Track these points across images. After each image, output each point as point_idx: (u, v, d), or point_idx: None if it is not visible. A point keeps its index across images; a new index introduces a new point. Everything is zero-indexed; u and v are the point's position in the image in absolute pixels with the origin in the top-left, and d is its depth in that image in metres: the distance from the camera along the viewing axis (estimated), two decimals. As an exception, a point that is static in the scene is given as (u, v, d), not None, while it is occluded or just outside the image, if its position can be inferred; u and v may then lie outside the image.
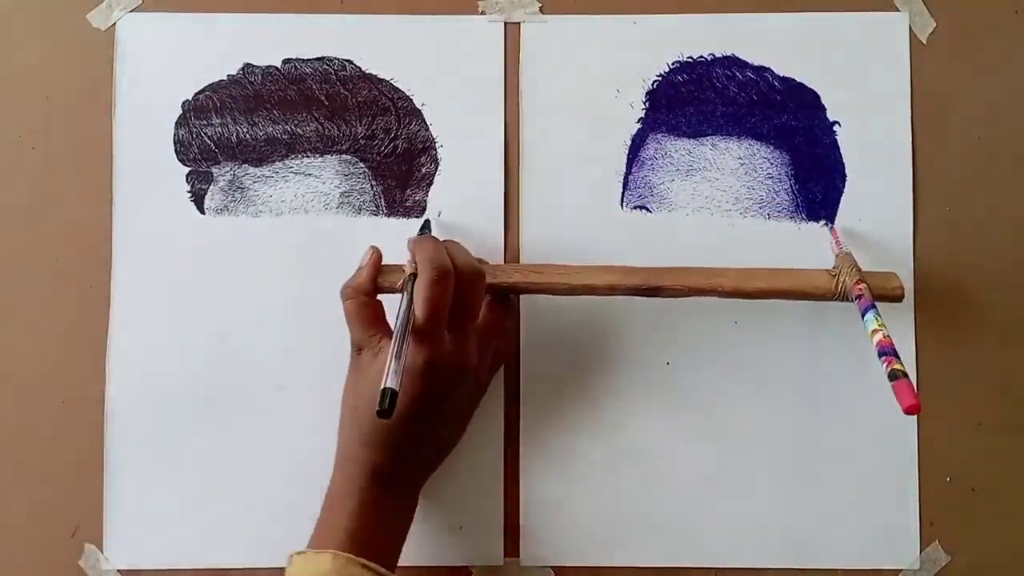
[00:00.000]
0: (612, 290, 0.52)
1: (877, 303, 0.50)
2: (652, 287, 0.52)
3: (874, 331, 0.47)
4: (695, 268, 0.53)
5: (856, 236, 0.56)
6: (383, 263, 0.52)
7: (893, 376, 0.44)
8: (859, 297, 0.50)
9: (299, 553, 0.47)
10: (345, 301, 0.51)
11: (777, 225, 0.56)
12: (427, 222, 0.56)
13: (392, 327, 0.48)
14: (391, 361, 0.44)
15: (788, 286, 0.52)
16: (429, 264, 0.47)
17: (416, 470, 0.51)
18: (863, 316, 0.49)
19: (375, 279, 0.51)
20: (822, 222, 0.56)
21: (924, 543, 0.55)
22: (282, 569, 0.55)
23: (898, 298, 0.52)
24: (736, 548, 0.55)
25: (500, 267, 0.54)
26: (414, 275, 0.48)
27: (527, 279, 0.53)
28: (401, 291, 0.49)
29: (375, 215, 0.56)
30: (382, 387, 0.43)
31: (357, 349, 0.51)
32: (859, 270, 0.52)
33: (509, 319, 0.55)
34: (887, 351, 0.46)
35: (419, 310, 0.47)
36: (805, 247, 0.56)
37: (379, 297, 0.51)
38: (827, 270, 0.52)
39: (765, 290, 0.52)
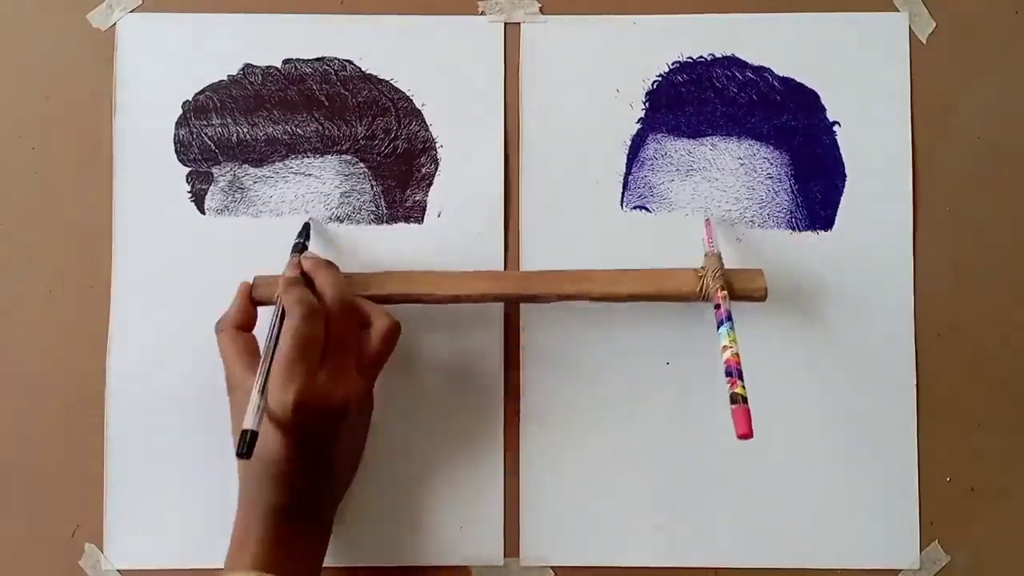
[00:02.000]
0: (482, 298, 0.52)
1: (743, 301, 0.50)
2: (522, 295, 0.52)
3: (724, 347, 0.47)
4: (565, 272, 0.53)
5: (856, 236, 0.56)
6: (258, 275, 0.52)
7: (733, 400, 0.44)
8: (717, 307, 0.49)
9: None
10: (217, 335, 0.51)
11: (778, 232, 0.56)
12: (306, 225, 0.55)
13: None
14: (253, 398, 0.44)
15: (654, 289, 0.52)
16: (296, 307, 0.47)
17: (316, 503, 0.50)
18: (718, 328, 0.48)
19: (246, 312, 0.51)
20: (823, 232, 0.56)
21: (924, 543, 0.55)
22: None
23: (761, 299, 0.52)
24: (736, 548, 0.55)
25: (373, 276, 0.53)
26: (282, 314, 0.48)
27: (399, 289, 0.52)
28: (271, 323, 0.49)
29: (374, 217, 0.56)
30: (242, 427, 0.43)
31: (232, 389, 0.50)
32: (723, 273, 0.51)
33: (387, 339, 0.51)
34: (733, 372, 0.46)
35: (286, 349, 0.46)
36: (805, 248, 0.56)
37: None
38: (694, 270, 0.52)
39: (632, 294, 0.52)
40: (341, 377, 0.48)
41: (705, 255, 0.53)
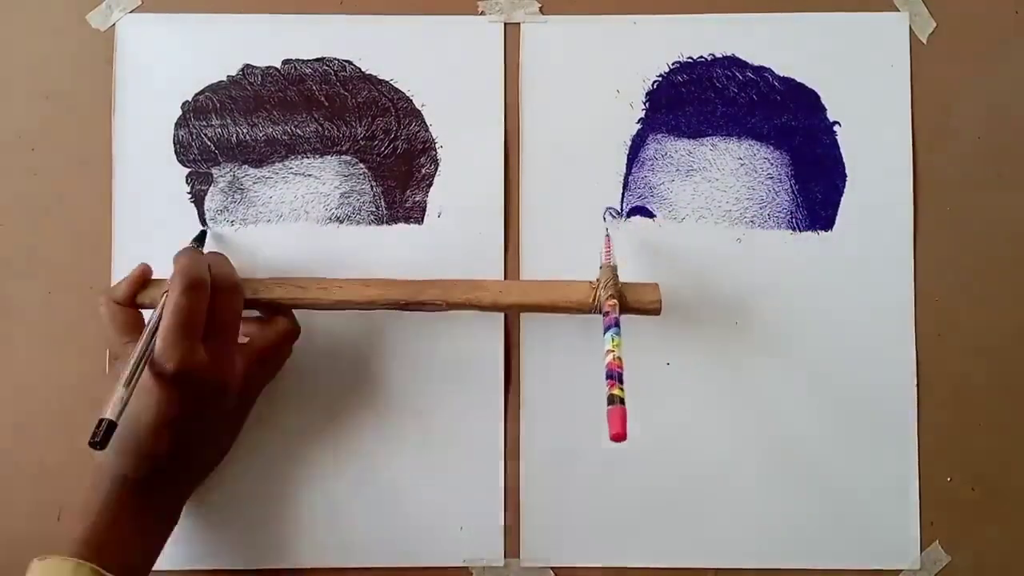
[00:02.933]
0: (371, 304, 0.52)
1: (638, 314, 0.50)
2: (412, 302, 0.52)
3: (608, 351, 0.47)
4: (456, 281, 0.52)
5: (856, 236, 0.56)
6: (156, 277, 0.52)
7: (610, 401, 0.44)
8: (606, 314, 0.49)
9: (41, 559, 0.45)
10: (100, 308, 0.51)
11: (778, 234, 0.56)
12: (202, 233, 0.55)
13: None
14: (118, 389, 0.43)
15: (546, 300, 0.51)
16: (180, 275, 0.47)
17: (170, 482, 0.49)
18: (604, 332, 0.48)
19: (133, 290, 0.51)
20: (823, 233, 0.56)
21: (924, 543, 0.55)
22: (282, 570, 0.55)
23: (655, 312, 0.51)
24: (736, 548, 0.55)
25: (262, 282, 0.52)
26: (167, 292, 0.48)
27: (289, 294, 0.52)
28: (156, 311, 0.49)
29: (374, 217, 0.56)
30: (100, 416, 0.42)
31: (111, 359, 0.50)
32: (616, 284, 0.50)
33: (281, 337, 0.52)
34: (613, 375, 0.45)
35: (167, 318, 0.46)
36: (806, 248, 0.56)
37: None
38: (589, 282, 0.52)
39: (524, 304, 0.52)
40: (222, 357, 0.48)
41: (600, 267, 0.52)
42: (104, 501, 0.47)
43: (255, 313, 0.53)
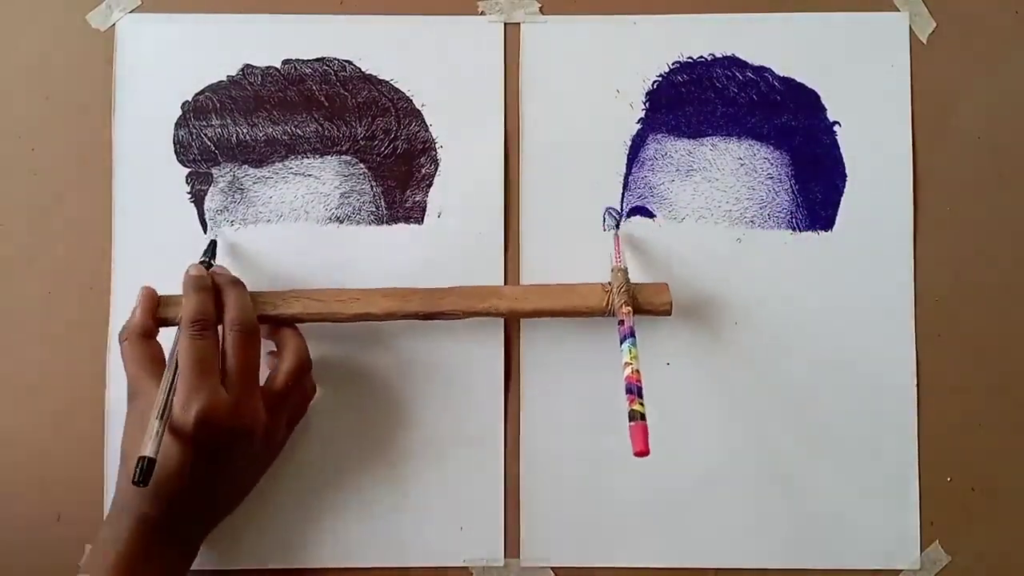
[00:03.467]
0: (390, 316, 0.52)
1: (648, 316, 0.51)
2: (430, 312, 0.52)
3: (626, 363, 0.47)
4: (472, 288, 0.53)
5: (856, 236, 0.56)
6: (165, 295, 0.52)
7: (631, 417, 0.44)
8: (621, 323, 0.49)
9: None
10: (121, 343, 0.50)
11: (778, 234, 0.56)
12: (212, 243, 0.55)
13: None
14: (152, 424, 0.44)
15: (561, 305, 0.52)
16: (187, 319, 0.47)
17: (191, 524, 0.49)
18: (620, 344, 0.48)
19: (151, 316, 0.50)
20: (823, 233, 0.56)
21: (924, 543, 0.55)
22: (282, 570, 0.55)
23: (666, 313, 0.52)
24: (736, 548, 0.55)
25: (280, 295, 0.52)
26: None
27: (307, 308, 0.52)
28: (174, 342, 0.49)
29: (374, 218, 0.56)
30: (140, 453, 0.42)
31: (131, 396, 0.49)
32: (628, 289, 0.51)
33: (299, 375, 0.51)
34: (632, 389, 0.46)
35: (182, 362, 0.46)
36: (805, 249, 0.56)
37: None
38: (601, 285, 0.52)
39: (539, 310, 0.52)
40: (247, 402, 0.47)
41: (611, 270, 0.53)
42: (125, 538, 0.46)
43: (269, 345, 0.53)
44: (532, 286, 0.53)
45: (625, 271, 0.52)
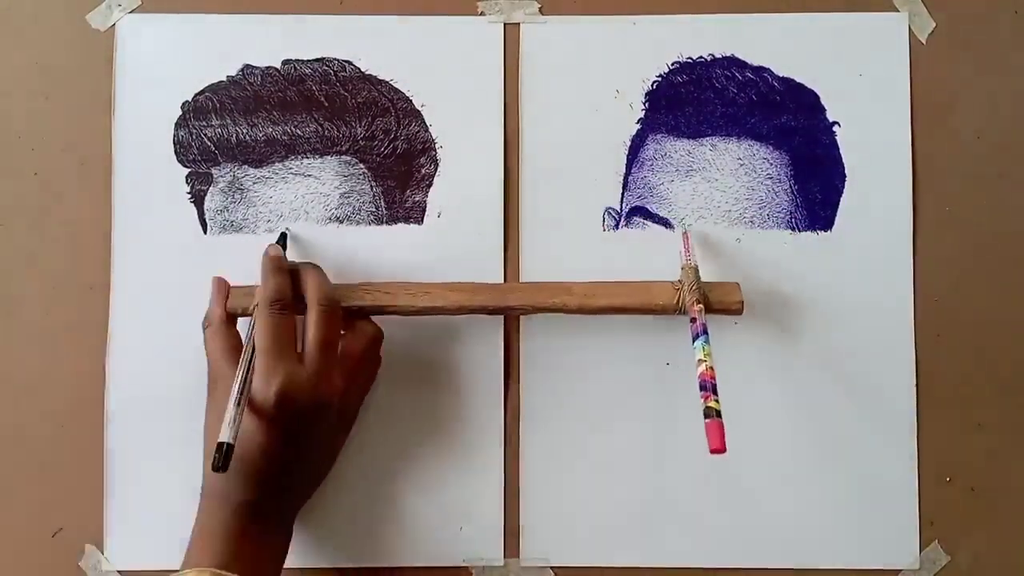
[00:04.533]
0: (459, 310, 0.52)
1: (719, 315, 0.51)
2: (498, 307, 0.52)
3: (699, 361, 0.47)
4: (542, 284, 0.53)
5: (856, 236, 0.56)
6: (240, 285, 0.52)
7: (707, 414, 0.44)
8: (693, 320, 0.49)
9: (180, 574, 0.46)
10: (204, 330, 0.51)
11: (778, 234, 0.56)
12: (283, 235, 0.55)
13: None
14: (229, 409, 0.44)
15: (632, 302, 0.52)
16: (266, 298, 0.48)
17: (283, 502, 0.50)
18: (693, 342, 0.48)
19: (224, 306, 0.51)
20: (823, 233, 0.56)
21: (924, 543, 0.55)
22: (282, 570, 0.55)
23: (737, 312, 0.52)
24: (736, 548, 0.55)
25: (351, 288, 0.53)
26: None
27: (377, 301, 0.52)
28: (250, 327, 0.49)
29: (374, 218, 0.56)
30: (219, 440, 0.43)
31: (213, 382, 0.50)
32: (699, 286, 0.51)
33: (373, 346, 0.53)
34: (706, 386, 0.46)
35: (260, 341, 0.47)
36: (805, 249, 0.56)
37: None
38: (671, 283, 0.52)
39: (609, 307, 0.52)
40: (326, 376, 0.48)
41: (682, 268, 0.53)
42: (223, 526, 0.47)
43: None
44: (601, 283, 0.53)
45: (696, 269, 0.52)
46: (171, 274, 0.56)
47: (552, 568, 0.55)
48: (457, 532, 0.55)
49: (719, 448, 0.43)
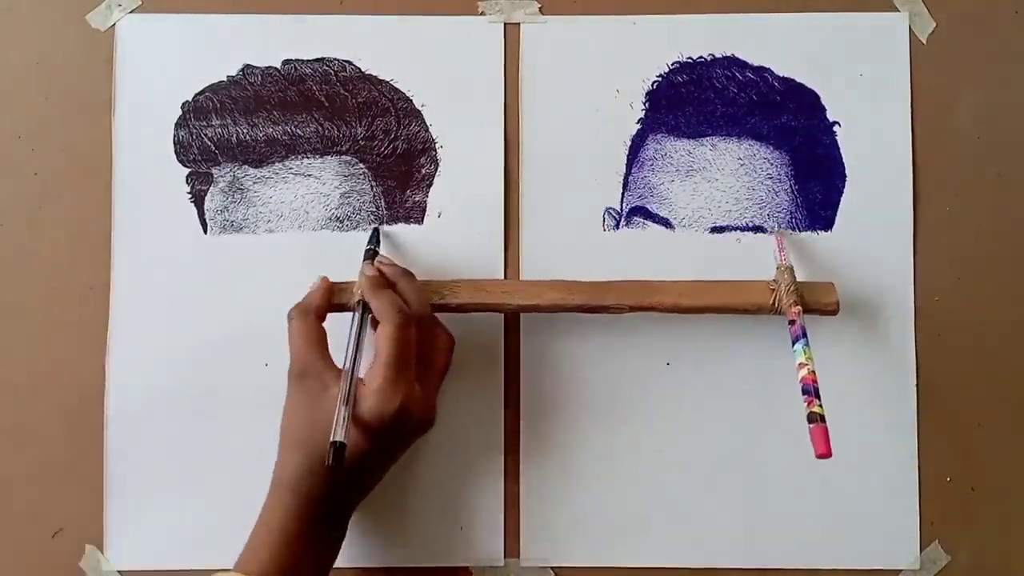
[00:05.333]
0: (554, 308, 0.52)
1: (814, 315, 0.50)
2: (595, 305, 0.52)
3: (801, 364, 0.47)
4: (637, 283, 0.53)
5: (856, 236, 0.56)
6: (335, 282, 0.52)
7: (811, 419, 0.44)
8: (792, 323, 0.49)
9: (223, 570, 0.46)
10: (291, 321, 0.50)
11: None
12: (376, 231, 0.55)
13: (337, 364, 0.48)
14: (340, 409, 0.45)
15: (727, 302, 0.52)
16: (392, 313, 0.48)
17: (351, 502, 0.51)
18: (793, 344, 0.48)
19: (328, 299, 0.51)
20: (823, 233, 0.56)
21: (924, 543, 0.55)
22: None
23: (832, 313, 0.52)
24: (736, 548, 0.55)
25: (446, 285, 0.53)
26: (362, 320, 0.49)
27: (473, 298, 0.52)
28: (350, 329, 0.49)
29: (374, 218, 0.56)
30: (331, 439, 0.44)
31: (299, 375, 0.49)
32: (796, 287, 0.51)
33: (448, 352, 0.53)
34: (809, 390, 0.45)
35: (387, 351, 0.47)
36: (805, 249, 0.56)
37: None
38: (766, 283, 0.52)
39: (704, 306, 0.52)
40: (430, 393, 0.49)
41: (777, 268, 0.53)
42: (292, 524, 0.47)
43: None
44: (695, 282, 0.53)
45: (791, 269, 0.52)
46: (171, 274, 0.56)
47: (552, 568, 0.55)
48: (457, 532, 0.55)
49: (825, 453, 0.43)
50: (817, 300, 0.52)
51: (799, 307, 0.50)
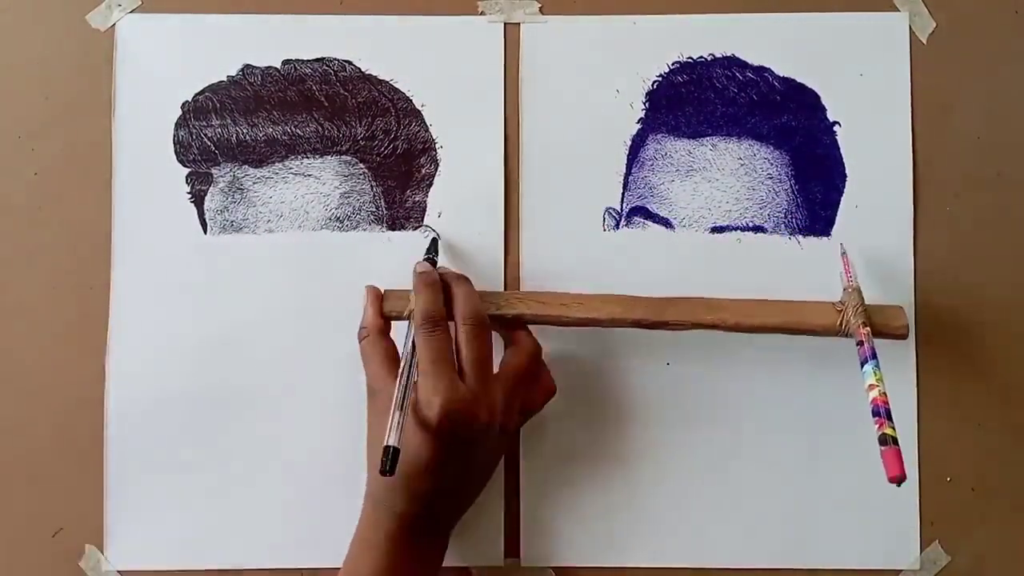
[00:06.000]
0: (613, 322, 0.52)
1: (881, 338, 0.49)
2: (655, 321, 0.51)
3: (871, 386, 0.46)
4: (699, 300, 0.52)
5: (856, 236, 0.56)
6: (388, 289, 0.53)
7: (883, 441, 0.43)
8: (860, 344, 0.48)
9: None
10: (360, 342, 0.51)
11: (781, 240, 0.56)
12: (434, 241, 0.55)
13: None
14: (392, 415, 0.45)
15: (791, 322, 0.51)
16: (420, 318, 0.48)
17: (443, 516, 0.51)
18: (862, 366, 0.48)
19: (381, 314, 0.52)
20: (823, 238, 0.56)
21: (924, 543, 0.55)
22: (282, 570, 0.55)
23: (902, 337, 0.51)
24: (736, 548, 0.55)
25: (503, 296, 0.53)
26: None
27: (531, 310, 0.52)
28: (406, 337, 0.50)
29: (374, 218, 0.56)
30: (384, 444, 0.44)
31: (372, 393, 0.50)
32: (865, 308, 0.50)
33: (532, 361, 0.52)
34: (880, 411, 0.45)
35: (422, 356, 0.47)
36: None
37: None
38: (832, 304, 0.52)
39: (767, 325, 0.51)
40: (485, 392, 0.48)
41: (844, 289, 0.52)
42: (387, 541, 0.48)
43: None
44: (758, 301, 0.52)
45: (859, 290, 0.51)
46: (171, 274, 0.56)
47: (552, 568, 0.55)
48: (457, 532, 0.55)
49: (900, 475, 0.42)
50: (887, 323, 0.51)
51: (867, 328, 0.49)
